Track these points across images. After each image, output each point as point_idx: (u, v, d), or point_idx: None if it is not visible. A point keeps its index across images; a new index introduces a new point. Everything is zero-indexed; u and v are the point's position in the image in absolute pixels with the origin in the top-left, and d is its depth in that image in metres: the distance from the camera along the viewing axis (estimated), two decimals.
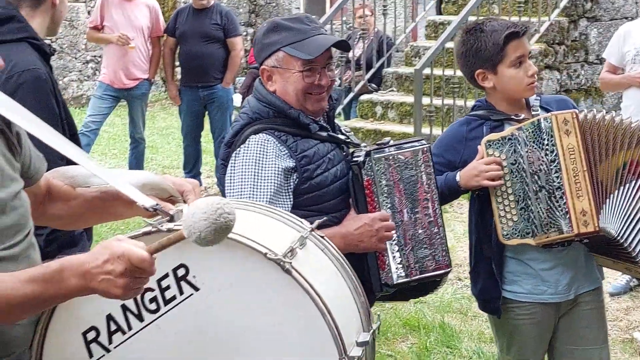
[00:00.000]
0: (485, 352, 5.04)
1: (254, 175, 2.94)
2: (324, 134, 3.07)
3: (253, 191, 2.92)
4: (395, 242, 3.05)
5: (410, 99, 9.25)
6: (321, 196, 3.01)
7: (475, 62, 3.35)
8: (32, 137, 2.35)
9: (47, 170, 2.47)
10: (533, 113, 3.38)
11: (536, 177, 3.20)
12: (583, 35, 9.96)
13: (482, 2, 9.19)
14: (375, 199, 3.04)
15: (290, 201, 2.97)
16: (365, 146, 3.15)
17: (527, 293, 3.36)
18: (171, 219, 2.22)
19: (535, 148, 3.20)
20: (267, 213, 2.47)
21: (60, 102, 3.33)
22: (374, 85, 10.21)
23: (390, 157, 3.04)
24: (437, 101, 8.83)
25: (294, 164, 2.97)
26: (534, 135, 3.20)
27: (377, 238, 2.99)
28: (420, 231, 3.08)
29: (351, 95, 9.95)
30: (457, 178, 3.31)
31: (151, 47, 8.73)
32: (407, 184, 3.05)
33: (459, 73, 8.91)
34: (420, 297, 3.41)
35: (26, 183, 2.32)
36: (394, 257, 3.05)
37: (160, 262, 2.13)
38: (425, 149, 3.09)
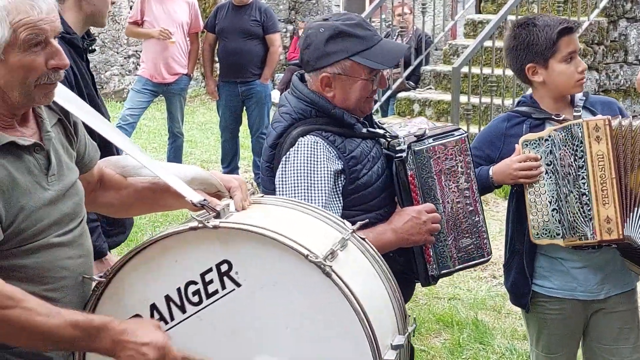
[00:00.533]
0: (518, 349, 5.08)
1: (307, 180, 2.90)
2: (364, 130, 3.04)
3: (307, 197, 2.89)
4: (437, 233, 3.04)
5: (447, 97, 9.29)
6: (367, 195, 2.99)
7: (527, 56, 3.38)
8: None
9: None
10: (574, 114, 3.40)
11: (566, 180, 3.24)
12: (622, 35, 9.93)
13: (522, 2, 9.20)
14: (419, 192, 3.02)
15: (340, 204, 2.94)
16: (403, 138, 3.10)
17: (557, 289, 3.41)
18: (217, 215, 2.29)
19: (567, 152, 3.22)
20: (310, 212, 2.50)
21: (86, 96, 3.35)
22: (411, 82, 10.24)
23: (431, 149, 3.02)
24: (475, 99, 8.86)
25: (342, 165, 2.93)
26: (566, 139, 3.22)
27: (425, 230, 2.98)
28: (462, 221, 3.07)
29: (389, 92, 9.99)
30: (490, 173, 3.35)
31: (190, 42, 8.86)
32: (447, 175, 3.04)
33: (496, 72, 8.97)
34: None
35: (81, 170, 2.43)
36: (437, 248, 3.05)
37: (205, 257, 2.23)
38: (464, 138, 3.07)
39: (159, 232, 2.38)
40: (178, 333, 2.29)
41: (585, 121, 3.22)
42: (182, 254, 2.26)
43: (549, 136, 3.27)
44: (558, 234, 3.28)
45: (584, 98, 3.45)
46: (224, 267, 2.25)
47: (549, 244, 3.32)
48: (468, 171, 3.06)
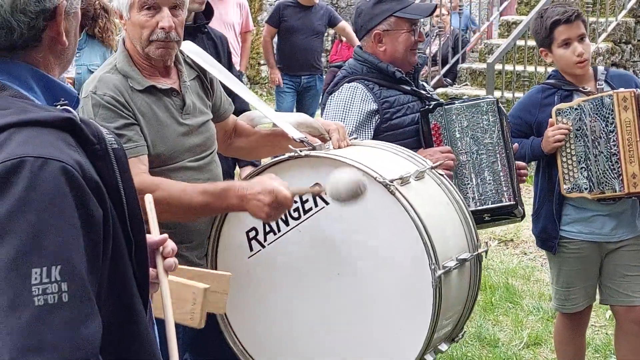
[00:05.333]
0: (544, 307, 5.66)
1: (342, 113, 3.63)
2: (408, 87, 3.74)
3: None
4: (462, 176, 3.65)
5: (482, 92, 9.83)
6: (398, 135, 3.64)
7: (538, 42, 4.13)
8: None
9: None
10: (598, 87, 4.02)
11: (596, 143, 3.88)
12: None
13: (552, 2, 9.74)
14: (445, 140, 3.66)
15: (369, 138, 3.58)
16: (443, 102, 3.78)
17: (578, 232, 4.04)
18: (313, 148, 2.94)
19: (598, 119, 3.86)
20: (398, 152, 3.11)
21: None
22: (449, 80, 10.83)
23: (460, 107, 3.67)
24: (508, 94, 9.44)
25: (377, 106, 3.63)
26: (597, 108, 3.86)
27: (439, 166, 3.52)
28: (484, 169, 3.66)
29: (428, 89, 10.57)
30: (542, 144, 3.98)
31: (241, 41, 9.53)
32: (474, 131, 3.65)
33: (529, 68, 9.52)
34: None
35: (218, 119, 3.15)
36: (460, 189, 3.58)
37: (301, 180, 2.84)
38: (491, 101, 3.71)
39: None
40: (284, 242, 2.90)
41: (615, 93, 3.86)
42: (284, 179, 2.83)
43: (579, 105, 3.91)
44: (586, 189, 3.91)
45: (605, 72, 4.08)
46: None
47: (577, 197, 3.95)
48: (493, 129, 3.66)
